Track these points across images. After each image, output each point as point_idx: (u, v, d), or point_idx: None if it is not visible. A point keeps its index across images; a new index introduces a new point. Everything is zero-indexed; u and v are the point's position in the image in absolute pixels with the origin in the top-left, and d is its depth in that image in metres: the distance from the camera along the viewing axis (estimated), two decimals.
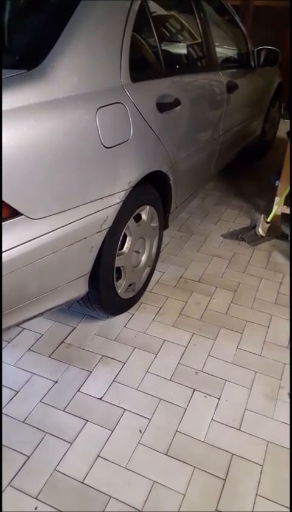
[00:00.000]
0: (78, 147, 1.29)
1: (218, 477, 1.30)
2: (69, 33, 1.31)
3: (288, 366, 1.69)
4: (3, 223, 1.13)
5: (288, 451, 1.38)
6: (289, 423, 1.47)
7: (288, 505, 1.24)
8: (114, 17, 1.50)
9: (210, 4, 2.53)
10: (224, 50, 2.69)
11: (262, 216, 2.66)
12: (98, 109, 1.35)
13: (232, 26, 2.89)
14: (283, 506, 1.24)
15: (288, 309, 2.02)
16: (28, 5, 1.64)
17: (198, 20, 2.27)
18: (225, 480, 1.30)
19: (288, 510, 1.23)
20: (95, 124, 1.34)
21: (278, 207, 2.65)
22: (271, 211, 2.68)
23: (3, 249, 1.14)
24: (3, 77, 1.14)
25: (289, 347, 1.79)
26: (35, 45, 1.33)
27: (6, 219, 1.13)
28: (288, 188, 2.58)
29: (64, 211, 1.27)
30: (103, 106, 1.38)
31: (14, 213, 1.15)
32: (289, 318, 1.96)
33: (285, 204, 2.67)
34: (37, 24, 1.42)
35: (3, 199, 1.11)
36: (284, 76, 3.89)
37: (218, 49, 2.45)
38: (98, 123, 1.35)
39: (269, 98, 3.52)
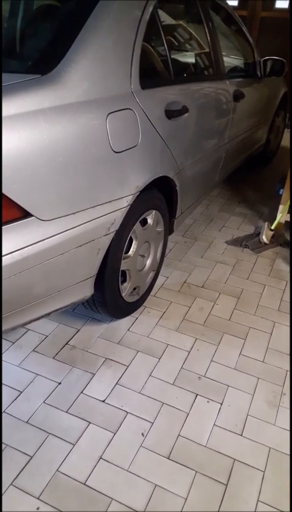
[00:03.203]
0: (88, 151, 1.31)
1: (219, 481, 1.31)
2: (82, 40, 1.34)
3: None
4: (13, 224, 1.15)
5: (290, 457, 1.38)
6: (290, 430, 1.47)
7: (289, 511, 1.24)
8: (126, 26, 1.53)
9: (218, 14, 2.57)
10: (231, 60, 2.73)
11: (266, 223, 2.68)
12: (108, 114, 1.38)
13: (239, 36, 2.93)
14: None
15: None
16: (42, 12, 1.67)
17: (206, 30, 2.30)
18: (226, 485, 1.30)
19: None
20: (105, 129, 1.36)
21: (282, 215, 2.67)
22: (274, 219, 2.70)
23: (13, 250, 1.15)
24: (18, 81, 1.17)
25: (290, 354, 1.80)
26: (49, 51, 1.36)
27: (17, 220, 1.15)
28: None
29: (73, 213, 1.29)
30: (114, 112, 1.40)
31: (25, 214, 1.17)
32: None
33: (288, 212, 2.69)
34: (51, 31, 1.45)
35: (15, 199, 1.12)
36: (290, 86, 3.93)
37: (225, 58, 2.48)
38: (108, 128, 1.37)
39: (274, 108, 3.55)
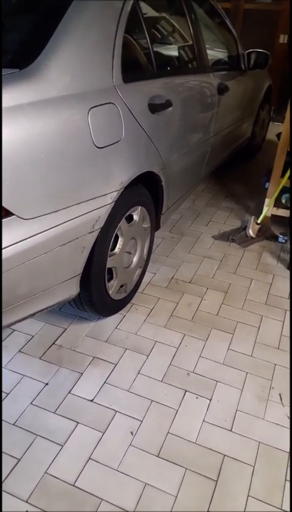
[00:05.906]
0: (70, 147, 1.28)
1: (209, 478, 1.30)
2: (61, 32, 1.30)
3: (278, 367, 1.70)
4: None
5: (279, 451, 1.39)
6: (279, 423, 1.47)
7: (280, 505, 1.25)
8: (107, 18, 1.50)
9: (201, 6, 2.54)
10: (215, 53, 2.71)
11: (252, 217, 2.68)
12: (90, 109, 1.35)
13: (223, 29, 2.91)
14: (275, 507, 1.24)
15: (279, 310, 2.03)
16: (20, 4, 1.62)
17: (189, 23, 2.27)
18: (217, 481, 1.30)
19: (280, 511, 1.23)
20: (87, 124, 1.33)
21: (268, 209, 2.67)
22: (261, 212, 2.70)
23: None
24: None
25: (284, 349, 1.80)
26: (27, 44, 1.32)
27: None
28: (278, 190, 2.60)
29: (56, 211, 1.26)
30: (95, 106, 1.37)
31: (6, 213, 1.13)
32: (280, 319, 1.97)
33: (278, 207, 2.69)
34: (29, 23, 1.41)
35: None
36: (274, 79, 3.92)
37: (209, 51, 2.46)
38: (90, 123, 1.34)
39: (259, 101, 3.55)
